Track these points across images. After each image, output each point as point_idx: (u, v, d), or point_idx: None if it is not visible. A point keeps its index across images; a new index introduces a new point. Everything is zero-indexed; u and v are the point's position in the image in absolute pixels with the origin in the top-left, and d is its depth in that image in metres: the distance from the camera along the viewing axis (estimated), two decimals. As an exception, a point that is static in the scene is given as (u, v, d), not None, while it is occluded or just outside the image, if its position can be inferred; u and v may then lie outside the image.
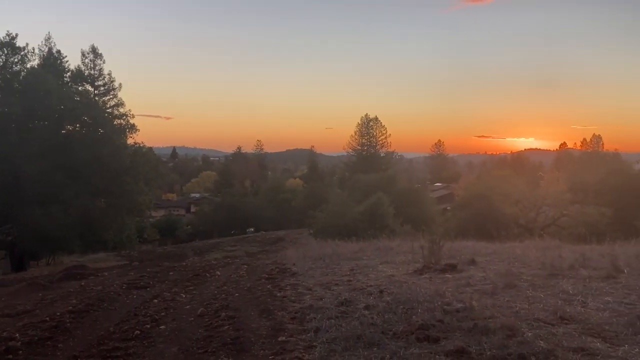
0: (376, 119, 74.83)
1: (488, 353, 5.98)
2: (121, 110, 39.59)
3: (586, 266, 11.07)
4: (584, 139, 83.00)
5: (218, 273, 14.97)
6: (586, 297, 8.51)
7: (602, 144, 77.42)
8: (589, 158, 55.60)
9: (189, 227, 65.14)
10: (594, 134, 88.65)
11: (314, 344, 6.99)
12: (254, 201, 68.24)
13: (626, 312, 7.45)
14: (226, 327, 8.09)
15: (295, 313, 8.74)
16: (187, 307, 10.02)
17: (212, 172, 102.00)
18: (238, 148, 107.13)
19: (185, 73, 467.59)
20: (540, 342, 6.14)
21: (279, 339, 7.27)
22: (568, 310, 7.68)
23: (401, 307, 8.38)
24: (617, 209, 34.58)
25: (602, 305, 7.97)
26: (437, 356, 6.04)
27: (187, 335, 7.86)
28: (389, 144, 75.56)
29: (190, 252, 33.44)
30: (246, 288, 11.64)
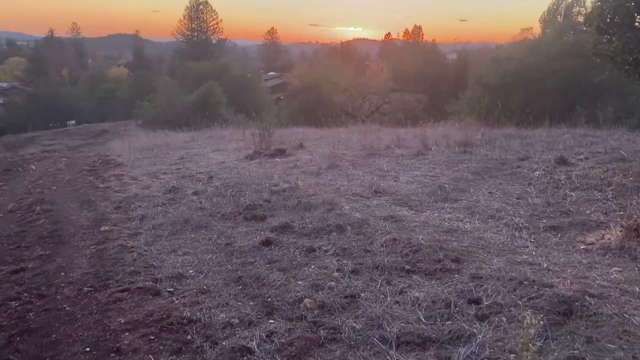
0: (206, 2, 70.88)
1: (310, 226, 6.37)
2: None
3: (400, 146, 12.07)
4: (406, 30, 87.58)
5: (33, 167, 13.71)
6: (398, 173, 9.36)
7: (422, 34, 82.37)
8: (410, 48, 59.07)
9: (-4, 120, 57.93)
10: (415, 24, 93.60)
11: (140, 231, 6.85)
12: (74, 92, 62.23)
13: (430, 184, 8.36)
14: (42, 220, 7.55)
15: (120, 203, 8.42)
16: (-5, 204, 9.12)
17: (21, 59, 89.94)
18: (50, 32, 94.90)
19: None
20: (356, 213, 6.66)
21: (102, 228, 6.99)
22: (382, 184, 8.40)
23: (230, 190, 8.48)
24: (431, 96, 37.78)
25: (410, 179, 8.84)
26: (262, 232, 6.29)
27: (-5, 232, 7.21)
28: (220, 30, 72.56)
29: (1, 148, 30.05)
30: (65, 181, 10.85)
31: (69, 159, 15.36)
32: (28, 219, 7.70)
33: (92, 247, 6.29)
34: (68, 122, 53.66)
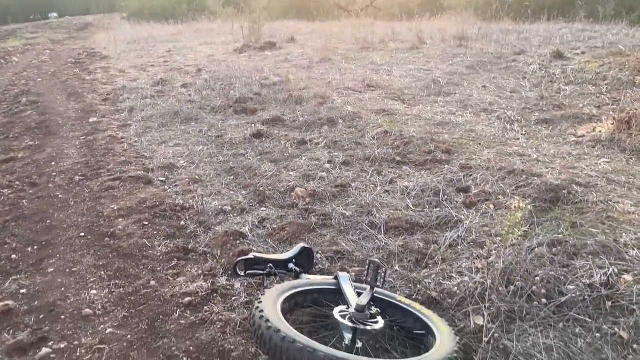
0: None
1: (301, 119, 6.31)
2: None
3: (395, 40, 11.76)
4: None
5: (15, 59, 13.31)
6: (392, 67, 9.18)
7: None
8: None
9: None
10: None
11: (129, 122, 6.78)
12: (54, -19, 59.10)
13: (424, 78, 8.22)
14: (29, 112, 7.43)
15: (107, 95, 8.26)
16: (-20, 96, 8.92)
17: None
18: None
19: None
20: (348, 107, 6.59)
21: (90, 120, 6.91)
22: (375, 78, 8.26)
23: (219, 83, 8.31)
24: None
25: (404, 73, 8.69)
26: (253, 125, 6.24)
27: (-18, 123, 7.10)
28: None
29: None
30: (50, 73, 10.57)
31: (53, 52, 14.89)
32: (14, 111, 7.57)
33: (82, 137, 6.24)
34: (49, 15, 51.42)
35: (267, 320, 2.14)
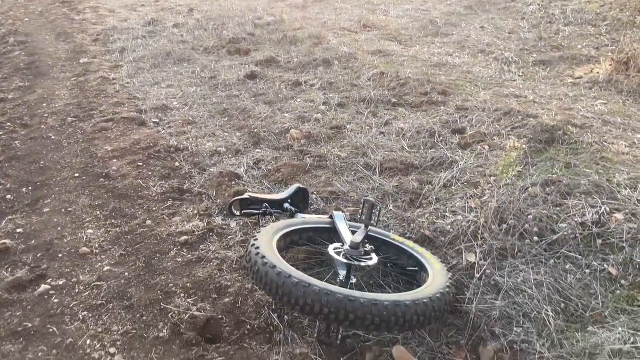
0: None
1: (296, 60, 6.20)
2: None
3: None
4: None
5: (1, -1, 12.87)
6: (388, 7, 8.96)
7: None
8: None
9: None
10: None
11: (121, 63, 6.64)
12: None
13: (421, 18, 8.04)
14: (17, 52, 7.24)
15: (98, 35, 8.05)
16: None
17: None
18: None
19: None
20: (344, 48, 6.46)
21: (81, 61, 6.76)
22: (371, 19, 8.06)
23: (212, 23, 8.10)
24: None
25: (401, 13, 8.49)
26: (247, 66, 6.13)
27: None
28: None
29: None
30: (37, 13, 10.23)
31: (39, -10, 14.37)
32: (2, 51, 7.39)
33: (73, 79, 6.12)
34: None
35: (263, 257, 2.17)
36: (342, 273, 2.35)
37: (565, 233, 2.62)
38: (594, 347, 2.06)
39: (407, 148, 3.89)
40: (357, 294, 2.01)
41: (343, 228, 2.61)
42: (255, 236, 2.39)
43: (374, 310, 1.97)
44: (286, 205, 2.98)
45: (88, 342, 2.29)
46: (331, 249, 2.42)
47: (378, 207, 2.57)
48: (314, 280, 2.05)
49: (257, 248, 2.25)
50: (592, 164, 3.24)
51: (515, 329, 2.20)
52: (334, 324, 2.09)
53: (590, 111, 4.19)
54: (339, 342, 2.22)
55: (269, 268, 2.11)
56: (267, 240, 2.36)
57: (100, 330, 2.36)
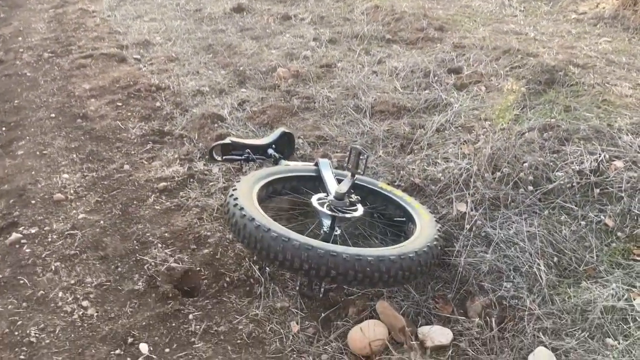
0: None
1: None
2: None
3: None
4: None
5: None
6: None
7: None
8: None
9: None
10: None
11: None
12: None
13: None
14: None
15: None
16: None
17: None
18: None
19: None
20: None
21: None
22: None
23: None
24: None
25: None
26: (234, -2, 5.81)
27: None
28: None
29: None
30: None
31: None
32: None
33: (50, 10, 5.81)
34: None
35: (242, 209, 2.04)
36: (326, 224, 2.24)
37: (562, 182, 2.48)
38: (586, 303, 1.97)
39: (400, 89, 3.69)
40: (339, 248, 1.89)
41: (328, 177, 2.47)
42: (234, 185, 2.25)
43: (357, 266, 1.86)
44: (270, 150, 2.83)
45: (60, 294, 2.20)
46: (315, 200, 2.29)
47: (365, 155, 2.42)
48: (294, 234, 1.93)
49: (236, 199, 2.11)
50: (593, 107, 3.08)
51: (504, 283, 2.11)
52: (315, 279, 1.99)
53: (594, 49, 3.98)
54: (321, 295, 2.13)
55: (247, 221, 1.98)
56: (247, 189, 2.23)
57: (73, 282, 2.26)
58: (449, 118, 3.23)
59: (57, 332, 2.02)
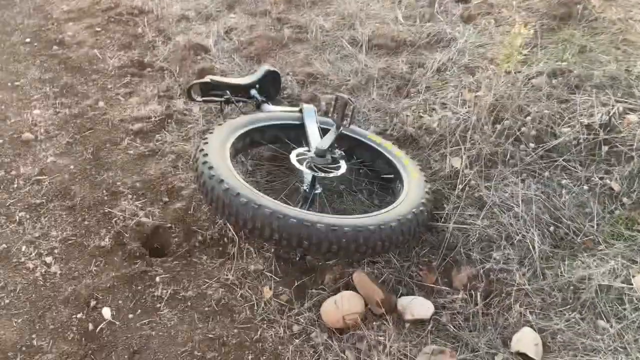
0: None
1: None
2: None
3: None
4: None
5: None
6: None
7: None
8: None
9: None
10: None
11: None
12: None
13: None
14: None
15: None
16: None
17: None
18: None
19: None
20: None
21: None
22: None
23: None
24: None
25: None
26: None
27: None
28: None
29: None
30: None
31: None
32: None
33: None
34: None
35: (211, 167, 1.86)
36: (307, 180, 2.06)
37: (567, 138, 2.27)
38: (580, 280, 1.82)
39: (401, 19, 3.38)
40: (314, 217, 1.73)
41: (312, 128, 2.26)
42: (206, 137, 2.06)
43: (332, 237, 1.71)
44: (253, 91, 2.60)
45: (23, 248, 2.08)
46: (294, 156, 2.09)
47: (352, 105, 2.19)
48: (265, 200, 1.76)
49: (206, 155, 1.92)
50: (611, 48, 2.78)
51: (494, 254, 1.95)
52: (287, 249, 1.85)
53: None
54: (297, 258, 2.00)
55: (215, 182, 1.81)
56: (220, 142, 2.03)
57: (37, 234, 2.14)
58: (452, 56, 2.95)
59: (17, 291, 1.92)
